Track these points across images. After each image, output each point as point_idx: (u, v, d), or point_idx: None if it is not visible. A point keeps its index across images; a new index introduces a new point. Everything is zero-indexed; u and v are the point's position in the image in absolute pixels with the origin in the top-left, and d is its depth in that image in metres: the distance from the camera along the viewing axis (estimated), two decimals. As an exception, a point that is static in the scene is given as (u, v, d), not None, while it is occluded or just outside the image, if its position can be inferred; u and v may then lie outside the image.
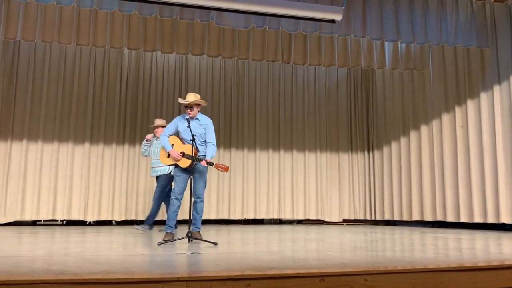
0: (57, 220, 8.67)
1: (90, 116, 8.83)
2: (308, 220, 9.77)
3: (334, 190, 9.93)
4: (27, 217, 8.33)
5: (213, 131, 5.06)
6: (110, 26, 7.04)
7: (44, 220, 8.62)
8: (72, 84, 8.86)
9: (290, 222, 9.77)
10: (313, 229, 7.61)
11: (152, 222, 6.72)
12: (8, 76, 8.56)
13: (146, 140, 6.70)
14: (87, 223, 8.69)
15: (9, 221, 8.19)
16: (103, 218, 8.64)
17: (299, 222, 9.80)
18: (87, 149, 8.74)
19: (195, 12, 6.31)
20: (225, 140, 9.48)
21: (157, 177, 6.63)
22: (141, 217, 8.80)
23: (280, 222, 9.73)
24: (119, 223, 8.84)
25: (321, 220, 9.76)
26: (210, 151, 4.95)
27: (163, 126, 6.60)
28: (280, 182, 9.61)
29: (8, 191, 8.27)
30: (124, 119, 9.05)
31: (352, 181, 10.07)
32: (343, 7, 6.16)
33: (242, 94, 9.72)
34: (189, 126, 4.74)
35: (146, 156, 6.87)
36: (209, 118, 5.12)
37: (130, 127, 9.05)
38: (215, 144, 5.02)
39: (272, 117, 9.80)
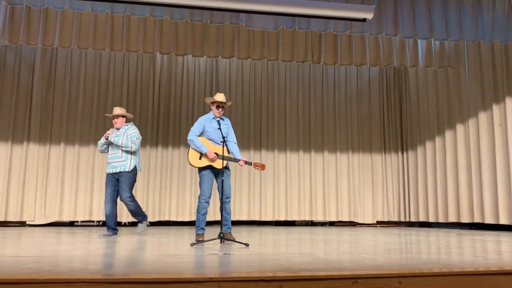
0: (94, 221, 8.92)
1: (124, 119, 9.04)
2: (341, 221, 9.66)
3: (367, 191, 9.78)
4: (65, 218, 8.62)
5: (233, 130, 5.31)
6: (142, 32, 7.19)
7: (81, 221, 8.88)
8: (106, 88, 9.11)
9: (322, 224, 9.69)
10: (345, 231, 7.52)
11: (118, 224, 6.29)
12: (46, 82, 8.89)
13: (106, 139, 5.91)
14: (122, 224, 8.90)
15: (48, 222, 8.50)
16: (137, 219, 8.82)
17: (331, 224, 9.71)
18: (121, 151, 8.94)
19: (225, 15, 6.37)
20: (255, 142, 9.50)
21: (114, 174, 5.83)
22: (174, 217, 8.94)
23: (312, 223, 9.66)
24: (152, 224, 9.01)
25: (354, 222, 9.63)
26: (235, 148, 5.04)
27: (123, 116, 5.99)
28: (311, 183, 9.54)
29: (48, 193, 8.59)
30: (157, 122, 9.22)
31: (386, 182, 9.89)
32: (374, 6, 6.07)
33: (272, 96, 9.73)
34: (219, 128, 4.80)
35: (104, 153, 6.12)
36: (227, 118, 5.29)
37: (163, 130, 9.21)
38: (236, 143, 5.19)
39: (303, 118, 9.76)
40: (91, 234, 6.22)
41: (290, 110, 9.73)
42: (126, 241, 5.09)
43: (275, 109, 9.68)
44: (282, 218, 9.34)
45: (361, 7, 6.02)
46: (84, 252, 3.81)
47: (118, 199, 5.94)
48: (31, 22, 6.92)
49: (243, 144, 9.37)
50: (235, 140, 5.18)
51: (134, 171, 5.87)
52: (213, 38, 7.40)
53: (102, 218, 8.72)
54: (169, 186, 9.07)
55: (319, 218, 9.48)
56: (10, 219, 8.39)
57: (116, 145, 5.85)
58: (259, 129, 9.58)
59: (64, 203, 8.63)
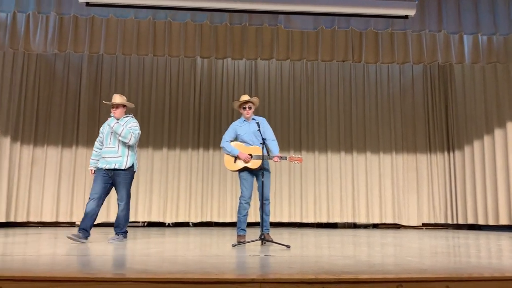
0: (139, 222, 9.18)
1: (167, 122, 9.27)
2: (384, 224, 9.44)
3: (412, 192, 9.51)
4: (112, 219, 8.91)
5: (270, 127, 5.19)
6: (183, 37, 7.34)
7: (127, 222, 9.15)
8: (150, 93, 9.37)
9: (365, 226, 9.51)
10: (389, 233, 7.35)
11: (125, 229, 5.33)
12: (93, 87, 9.26)
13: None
14: (166, 224, 9.10)
15: (96, 222, 8.80)
16: (180, 220, 9.01)
17: (375, 226, 9.50)
18: (165, 154, 9.17)
19: (264, 17, 6.40)
20: (295, 143, 9.46)
21: (108, 171, 5.14)
22: (216, 218, 9.05)
23: (354, 226, 9.50)
24: (195, 224, 9.16)
25: (398, 224, 9.38)
26: (276, 147, 5.02)
27: (124, 106, 5.34)
28: (353, 184, 9.39)
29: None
30: (198, 124, 9.38)
31: (432, 183, 9.57)
32: (416, 2, 5.91)
33: (311, 96, 9.66)
34: (259, 130, 4.82)
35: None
36: (262, 117, 5.23)
37: (204, 132, 9.36)
38: (275, 139, 5.11)
39: (344, 118, 9.62)
40: (136, 234, 6.40)
41: (330, 110, 9.62)
42: (169, 241, 5.20)
43: (315, 110, 9.60)
44: (324, 220, 9.25)
45: (403, 3, 5.88)
46: (130, 252, 3.93)
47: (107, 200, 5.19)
48: (78, 30, 7.22)
49: (283, 145, 9.35)
50: (273, 137, 5.11)
51: (131, 169, 5.23)
52: (252, 41, 7.44)
53: (147, 219, 8.95)
54: (211, 187, 9.19)
55: (362, 220, 9.31)
56: (61, 220, 8.79)
57: (114, 135, 5.18)
58: (299, 130, 9.54)
59: (110, 204, 8.93)
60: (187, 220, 9.06)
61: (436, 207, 9.48)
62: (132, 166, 5.25)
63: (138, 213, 8.95)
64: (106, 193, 5.16)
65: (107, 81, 9.31)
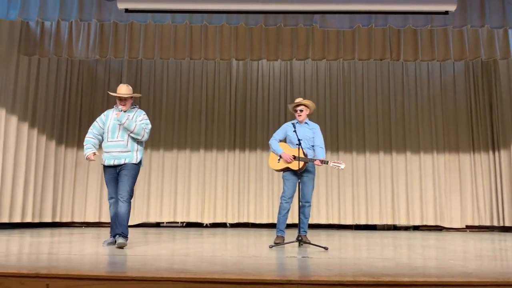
0: (178, 222, 9.34)
1: (204, 125, 9.40)
2: (426, 226, 9.17)
3: (455, 194, 9.18)
4: (152, 219, 9.13)
5: (321, 135, 5.13)
6: (219, 39, 7.43)
7: (166, 222, 9.34)
8: (187, 96, 9.53)
9: (406, 228, 9.27)
10: (431, 236, 7.13)
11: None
12: (134, 98, 9.50)
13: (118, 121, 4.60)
14: (204, 225, 9.22)
15: (136, 223, 9.05)
16: (218, 220, 9.10)
17: (416, 228, 9.24)
18: (202, 155, 9.30)
19: (299, 17, 6.37)
20: (332, 144, 9.35)
21: (117, 167, 4.58)
22: (252, 219, 9.07)
23: (394, 228, 9.28)
24: (232, 225, 9.22)
25: (441, 226, 9.09)
26: (321, 152, 5.01)
27: (131, 97, 4.79)
28: (393, 185, 9.17)
29: (135, 196, 9.15)
30: (234, 126, 9.45)
31: (475, 184, 9.21)
32: (457, -4, 5.71)
33: (348, 96, 9.52)
34: (295, 131, 4.81)
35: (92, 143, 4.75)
36: (316, 124, 5.21)
37: (240, 134, 9.41)
38: (323, 147, 5.07)
39: (382, 118, 9.42)
40: (175, 235, 6.52)
41: (368, 110, 9.45)
42: (207, 241, 5.26)
43: (352, 110, 9.45)
44: (363, 222, 9.09)
45: (443, -1, 5.70)
46: (169, 252, 4.00)
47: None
48: (118, 36, 7.45)
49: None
50: (321, 144, 5.12)
51: (139, 165, 4.72)
52: (287, 41, 7.43)
53: (186, 219, 9.09)
54: (247, 188, 9.23)
55: (402, 222, 9.08)
56: (103, 220, 9.08)
57: (122, 128, 4.61)
58: (336, 130, 9.42)
59: (151, 205, 9.14)
60: (224, 221, 9.14)
61: (480, 209, 9.12)
62: (141, 162, 4.74)
63: (177, 214, 9.11)
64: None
65: (146, 85, 9.54)
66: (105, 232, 7.07)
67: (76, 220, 9.03)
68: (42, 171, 8.35)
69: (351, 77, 9.57)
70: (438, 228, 9.12)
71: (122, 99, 4.70)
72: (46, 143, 8.50)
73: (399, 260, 3.47)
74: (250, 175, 9.28)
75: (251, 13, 6.14)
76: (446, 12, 5.75)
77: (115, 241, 4.47)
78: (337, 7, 5.74)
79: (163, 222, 9.34)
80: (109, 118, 4.73)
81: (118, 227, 4.45)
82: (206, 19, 6.49)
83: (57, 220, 8.72)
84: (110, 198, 4.68)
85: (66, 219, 8.94)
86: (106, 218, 9.09)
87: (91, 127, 4.79)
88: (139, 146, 4.70)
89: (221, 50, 7.44)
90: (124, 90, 4.72)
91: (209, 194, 9.17)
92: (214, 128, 9.41)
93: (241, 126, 9.46)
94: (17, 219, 7.68)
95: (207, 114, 9.45)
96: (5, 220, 7.45)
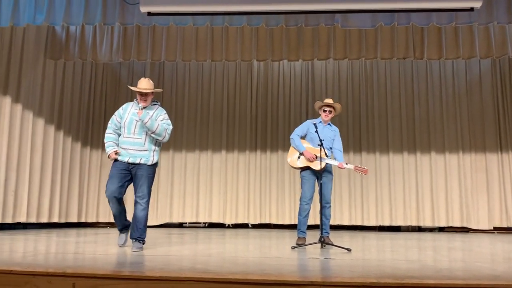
0: (200, 223, 9.41)
1: (225, 126, 9.45)
2: (452, 227, 8.98)
3: (482, 194, 8.96)
4: (175, 220, 9.22)
5: (340, 139, 5.18)
6: (240, 41, 7.45)
7: (189, 223, 9.42)
8: (208, 98, 9.59)
9: (431, 230, 9.10)
10: (457, 237, 6.98)
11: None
12: (155, 94, 9.62)
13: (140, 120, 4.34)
14: (226, 225, 9.26)
15: (160, 223, 9.16)
16: (240, 221, 9.12)
17: (441, 229, 9.06)
18: (223, 156, 9.34)
19: (320, 17, 6.33)
20: (355, 144, 9.26)
21: (131, 165, 4.34)
22: (274, 220, 9.06)
23: (419, 229, 9.12)
24: (254, 226, 9.23)
25: (467, 228, 8.88)
26: (340, 155, 4.98)
27: (152, 93, 4.46)
28: (417, 186, 9.02)
29: (159, 196, 9.28)
30: (255, 127, 9.46)
31: (504, 184, 8.96)
32: (483, -8, 5.58)
33: (371, 95, 9.41)
34: (316, 131, 4.77)
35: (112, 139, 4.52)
36: (337, 127, 5.21)
37: (261, 134, 9.42)
38: (342, 151, 5.09)
39: (406, 118, 9.27)
40: (198, 235, 6.57)
41: (391, 109, 9.31)
42: (229, 242, 5.28)
43: (375, 109, 9.34)
44: (386, 223, 8.96)
45: (468, -5, 5.57)
46: (192, 252, 4.03)
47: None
48: (141, 39, 7.57)
49: (342, 147, 9.17)
50: (340, 148, 5.11)
51: (156, 166, 4.51)
52: (308, 41, 7.40)
53: (208, 220, 9.15)
54: (269, 189, 9.22)
55: (427, 223, 8.92)
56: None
57: (140, 125, 4.39)
58: (358, 131, 9.32)
59: (174, 205, 9.24)
60: (246, 222, 9.15)
61: (509, 210, 8.87)
62: (157, 163, 4.52)
63: (199, 214, 9.18)
64: (124, 191, 4.45)
65: (168, 87, 9.65)
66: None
67: (101, 220, 9.20)
68: (68, 172, 8.55)
69: (374, 77, 9.46)
70: (464, 230, 8.92)
71: (143, 94, 4.41)
72: (72, 145, 8.69)
73: (424, 262, 3.40)
74: (272, 176, 9.27)
75: (272, 13, 6.14)
76: (472, 9, 5.62)
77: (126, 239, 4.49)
78: (359, 6, 5.68)
79: (186, 223, 9.42)
80: (127, 112, 4.46)
81: (136, 231, 4.30)
82: (227, 21, 6.52)
83: (83, 220, 8.90)
84: (111, 195, 4.33)
85: (91, 219, 9.11)
86: (130, 218, 9.20)
87: (110, 122, 4.57)
88: (156, 147, 4.47)
89: (242, 51, 7.46)
90: (145, 84, 4.42)
91: (231, 195, 9.21)
92: (236, 129, 9.44)
93: (262, 127, 9.46)
94: (44, 219, 7.87)
95: (229, 115, 9.50)
96: (33, 220, 7.65)
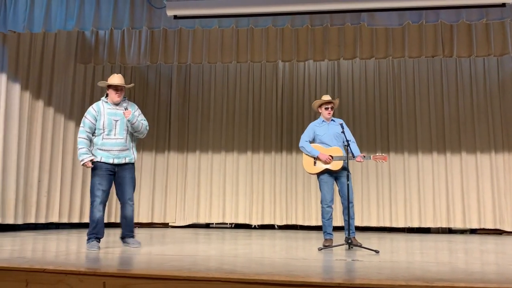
0: (227, 224, 9.46)
1: (251, 127, 9.48)
2: (484, 229, 8.72)
3: (516, 195, 8.67)
4: (202, 220, 9.30)
5: (348, 129, 5.05)
6: (265, 42, 7.47)
7: (215, 223, 9.49)
8: (234, 99, 9.64)
9: (462, 232, 8.87)
10: (490, 240, 6.79)
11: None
12: (182, 96, 9.77)
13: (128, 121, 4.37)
14: (252, 226, 9.28)
15: (187, 223, 9.26)
16: (266, 222, 9.12)
17: (473, 231, 8.82)
18: (249, 157, 9.37)
19: (346, 16, 6.28)
20: (382, 144, 9.12)
21: (116, 167, 4.35)
22: (301, 222, 9.02)
23: (449, 231, 8.90)
24: (280, 227, 9.22)
25: (501, 230, 8.61)
26: (356, 149, 4.90)
27: (122, 88, 4.42)
28: (447, 187, 8.80)
29: (186, 197, 9.39)
30: (281, 128, 9.45)
31: (538, 185, 8.65)
32: (516, -13, 5.40)
33: (399, 95, 9.24)
34: (343, 132, 4.72)
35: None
36: (340, 119, 5.10)
37: (287, 135, 9.39)
38: (354, 141, 4.99)
39: (435, 117, 9.06)
40: (224, 236, 6.61)
41: (420, 109, 9.13)
42: (255, 243, 5.29)
43: (403, 109, 9.17)
44: (416, 225, 8.79)
45: (500, -10, 5.42)
46: (219, 252, 4.06)
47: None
48: (167, 43, 7.68)
49: (370, 147, 9.06)
50: (352, 138, 5.00)
51: (134, 163, 4.56)
52: (333, 41, 7.34)
53: (234, 220, 9.19)
54: (295, 190, 9.19)
55: (458, 225, 8.69)
56: (155, 221, 9.37)
57: (121, 125, 4.35)
58: (386, 131, 9.17)
59: (200, 206, 9.32)
60: (272, 223, 9.15)
61: (545, 212, 8.56)
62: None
63: (225, 215, 9.23)
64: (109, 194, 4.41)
65: (195, 90, 9.75)
66: (158, 233, 7.28)
67: (129, 220, 9.35)
68: (98, 174, 8.74)
69: (401, 76, 9.29)
70: (497, 232, 8.64)
71: (119, 89, 4.34)
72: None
73: (455, 264, 3.32)
74: (298, 177, 9.23)
75: (297, 14, 6.12)
76: (503, 5, 5.46)
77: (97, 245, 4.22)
78: (386, 4, 5.60)
79: (213, 223, 9.49)
80: (101, 114, 4.32)
81: (130, 230, 4.51)
82: (252, 22, 6.55)
83: (112, 220, 9.09)
84: (100, 201, 4.26)
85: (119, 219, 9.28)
86: (158, 219, 9.37)
87: (82, 124, 4.35)
88: (134, 143, 4.48)
89: (267, 52, 7.48)
90: (118, 79, 4.36)
91: (257, 196, 9.22)
92: (261, 130, 9.45)
93: (288, 127, 9.44)
94: (75, 220, 8.09)
95: (254, 117, 9.52)
96: (65, 220, 7.87)
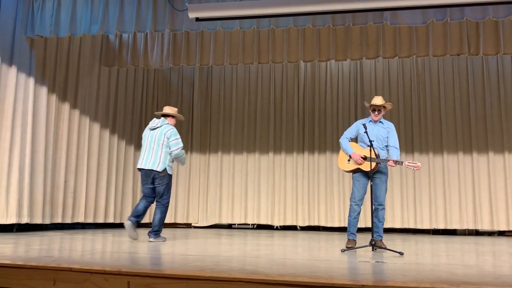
0: (249, 224, 9.48)
1: (272, 128, 9.47)
2: (512, 231, 8.49)
3: (545, 196, 8.40)
4: (224, 221, 9.34)
5: (396, 135, 4.93)
6: (286, 42, 7.45)
7: (238, 224, 9.52)
8: (256, 100, 9.66)
9: (490, 234, 8.65)
10: (519, 242, 6.59)
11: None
12: (204, 98, 9.84)
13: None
14: (274, 227, 9.26)
15: (210, 224, 9.32)
16: (288, 223, 9.10)
17: (501, 233, 8.59)
18: (271, 158, 9.36)
19: (368, 15, 6.20)
20: (406, 145, 8.97)
21: (154, 177, 5.87)
22: (323, 223, 8.96)
23: (476, 233, 8.70)
24: (303, 228, 9.17)
25: (530, 232, 8.37)
26: (395, 153, 4.81)
27: (174, 116, 6.05)
28: (474, 188, 8.60)
29: (208, 198, 9.45)
30: (302, 128, 9.41)
31: None
32: (545, -18, 5.25)
33: (423, 94, 9.08)
34: (366, 132, 4.66)
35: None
36: (391, 123, 5.01)
37: (309, 136, 9.35)
38: (398, 148, 4.86)
39: (461, 116, 8.87)
40: (246, 236, 6.62)
41: (445, 108, 8.95)
42: (279, 244, 5.28)
43: (428, 108, 9.00)
44: (441, 227, 8.61)
45: (528, -15, 5.26)
46: (241, 253, 4.07)
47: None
48: (190, 45, 7.75)
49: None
50: (396, 145, 4.89)
51: None
52: (356, 40, 7.27)
53: (256, 221, 9.20)
54: (317, 191, 9.13)
55: (485, 227, 8.48)
56: (178, 221, 9.46)
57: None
58: (411, 131, 9.03)
59: (223, 207, 9.37)
60: (294, 224, 9.12)
61: None
62: None
63: (247, 216, 9.25)
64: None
65: (217, 91, 9.81)
66: (181, 233, 7.35)
67: (153, 221, 9.47)
68: (123, 174, 8.90)
69: (426, 74, 9.13)
70: (527, 234, 8.40)
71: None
72: (126, 148, 9.04)
73: (482, 267, 3.24)
74: (320, 177, 9.17)
75: (318, 14, 6.08)
76: (532, 0, 5.30)
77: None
78: (409, 2, 5.51)
79: (235, 224, 9.53)
80: (162, 134, 6.15)
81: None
82: (273, 23, 6.54)
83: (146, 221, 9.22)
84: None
85: (144, 219, 9.38)
86: (181, 219, 9.45)
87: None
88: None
89: (288, 52, 7.46)
90: (166, 110, 6.12)
91: (278, 196, 9.21)
92: (283, 131, 9.44)
93: (310, 128, 9.39)
94: (100, 220, 8.23)
95: (276, 117, 9.51)
96: (90, 220, 8.02)
